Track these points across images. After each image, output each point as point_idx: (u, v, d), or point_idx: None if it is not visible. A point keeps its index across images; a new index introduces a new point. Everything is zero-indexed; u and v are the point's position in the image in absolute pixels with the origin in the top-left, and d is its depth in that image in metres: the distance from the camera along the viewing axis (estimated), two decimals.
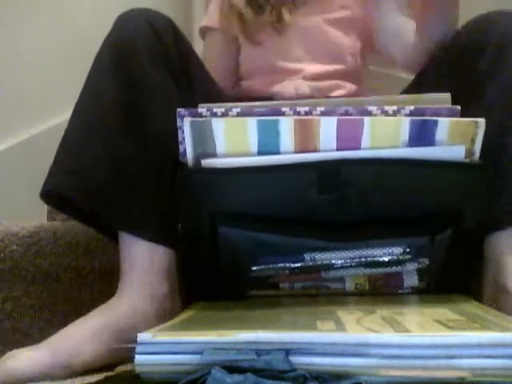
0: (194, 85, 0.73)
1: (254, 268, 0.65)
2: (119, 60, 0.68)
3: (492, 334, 0.43)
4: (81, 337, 0.61)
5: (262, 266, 0.65)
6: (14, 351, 0.61)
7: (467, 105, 0.60)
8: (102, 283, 0.83)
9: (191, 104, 0.63)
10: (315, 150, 0.61)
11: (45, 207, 1.04)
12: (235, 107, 0.63)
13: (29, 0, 1.15)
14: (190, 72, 0.73)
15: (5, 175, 1.12)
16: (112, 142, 0.66)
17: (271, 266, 0.64)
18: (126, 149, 0.66)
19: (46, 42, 1.18)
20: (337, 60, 0.98)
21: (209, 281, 0.69)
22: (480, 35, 0.68)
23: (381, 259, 0.64)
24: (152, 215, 0.67)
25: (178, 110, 0.62)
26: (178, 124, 0.62)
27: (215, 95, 0.64)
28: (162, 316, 0.64)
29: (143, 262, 0.65)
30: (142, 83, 0.67)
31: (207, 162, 0.61)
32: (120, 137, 0.67)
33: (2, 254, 0.84)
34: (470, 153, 0.60)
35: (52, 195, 0.68)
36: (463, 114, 0.60)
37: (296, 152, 0.61)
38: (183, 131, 0.61)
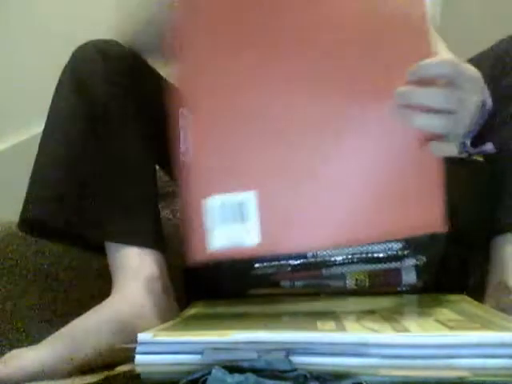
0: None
1: (257, 265, 0.65)
2: (79, 88, 0.69)
3: (492, 334, 0.43)
4: (81, 334, 0.62)
5: (265, 264, 0.65)
6: (15, 351, 0.61)
7: (491, 118, 0.60)
8: (101, 283, 0.83)
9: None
10: None
11: None
12: None
13: (22, 5, 1.15)
14: (147, 90, 0.74)
15: (5, 175, 1.11)
16: (85, 164, 0.68)
17: (273, 262, 0.65)
18: (100, 168, 0.68)
19: (46, 42, 1.18)
20: None
21: (210, 280, 0.69)
22: (508, 55, 0.70)
23: (380, 255, 0.65)
24: (138, 224, 0.67)
25: (180, 109, 0.63)
26: (181, 124, 0.63)
27: None
28: (160, 314, 0.65)
29: (133, 264, 0.66)
30: (102, 104, 0.69)
31: None
32: (91, 157, 0.68)
33: (1, 254, 0.84)
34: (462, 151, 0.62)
35: (30, 224, 0.70)
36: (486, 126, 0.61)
37: None
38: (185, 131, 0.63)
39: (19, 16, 1.16)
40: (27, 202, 0.69)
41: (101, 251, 0.70)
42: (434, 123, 0.52)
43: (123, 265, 0.66)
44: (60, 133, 0.69)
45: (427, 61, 0.51)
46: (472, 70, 0.54)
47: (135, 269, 0.66)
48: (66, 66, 0.72)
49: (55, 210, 0.67)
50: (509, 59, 0.70)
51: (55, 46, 1.20)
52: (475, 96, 0.54)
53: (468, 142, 0.57)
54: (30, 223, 0.70)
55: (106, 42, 0.73)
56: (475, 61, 0.74)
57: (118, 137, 0.69)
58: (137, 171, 0.69)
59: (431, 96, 0.51)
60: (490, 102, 0.57)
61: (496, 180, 0.66)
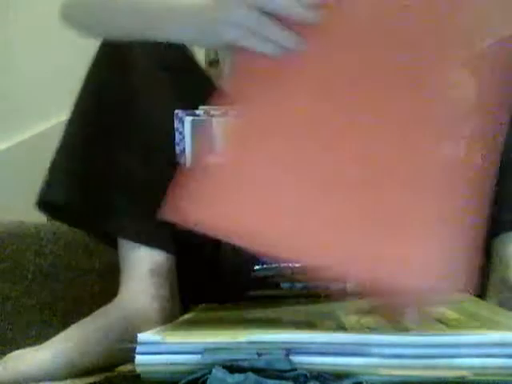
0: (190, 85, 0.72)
1: (257, 267, 0.65)
2: (117, 66, 0.67)
3: (492, 334, 0.43)
4: (84, 338, 0.61)
5: (265, 266, 0.65)
6: (17, 352, 0.61)
7: None
8: (101, 283, 0.83)
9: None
10: None
11: None
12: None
13: (19, 5, 1.15)
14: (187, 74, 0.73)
15: (5, 175, 1.11)
16: (112, 152, 0.67)
17: (274, 265, 0.65)
18: (127, 159, 0.67)
19: (47, 42, 1.18)
20: None
21: (210, 282, 0.69)
22: None
23: None
24: (151, 222, 0.67)
25: (176, 111, 0.62)
26: (176, 126, 0.62)
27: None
28: (164, 317, 0.64)
29: (144, 265, 0.66)
30: (141, 87, 0.67)
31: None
32: (120, 148, 0.67)
33: (2, 254, 0.84)
34: None
35: (49, 205, 0.69)
36: None
37: None
38: (180, 132, 0.62)
39: (19, 17, 1.16)
40: (47, 183, 0.68)
41: (112, 243, 0.70)
42: None
43: (133, 264, 0.66)
44: (95, 117, 0.68)
45: None
46: None
47: (145, 271, 0.65)
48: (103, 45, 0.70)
49: (74, 197, 0.67)
50: None
51: (56, 47, 1.20)
52: None
53: None
54: (47, 205, 0.70)
55: None
56: None
57: (157, 128, 0.67)
58: (164, 167, 0.66)
59: None
60: None
61: (496, 179, 0.66)
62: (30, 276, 0.84)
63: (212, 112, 0.63)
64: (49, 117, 1.19)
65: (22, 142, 1.19)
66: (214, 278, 0.68)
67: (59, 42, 1.20)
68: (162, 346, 0.45)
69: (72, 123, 0.69)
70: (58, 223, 0.88)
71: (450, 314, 0.53)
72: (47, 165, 0.70)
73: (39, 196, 0.68)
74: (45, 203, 0.69)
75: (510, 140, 0.65)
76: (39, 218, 1.00)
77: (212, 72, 0.90)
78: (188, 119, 0.61)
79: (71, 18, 0.66)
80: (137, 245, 0.66)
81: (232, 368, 0.42)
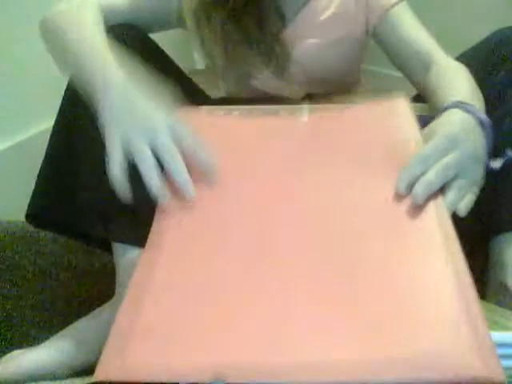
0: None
1: None
2: None
3: (492, 334, 0.43)
4: (83, 337, 0.61)
5: None
6: (17, 351, 0.61)
7: (487, 113, 0.60)
8: (101, 283, 0.83)
9: None
10: None
11: None
12: (236, 109, 0.63)
13: (20, 5, 1.15)
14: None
15: (5, 175, 1.12)
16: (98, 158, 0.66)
17: None
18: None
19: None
20: (333, 81, 0.87)
21: None
22: (501, 48, 0.69)
23: None
24: (144, 225, 0.67)
25: None
26: None
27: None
28: None
29: None
30: None
31: None
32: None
33: (2, 254, 0.84)
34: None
35: (37, 217, 0.69)
36: None
37: None
38: None
39: (19, 17, 1.16)
40: (34, 195, 0.68)
41: (104, 247, 0.70)
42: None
43: (128, 266, 0.66)
44: (78, 123, 0.67)
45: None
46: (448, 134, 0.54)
47: None
48: None
49: (60, 204, 0.67)
50: (503, 51, 0.69)
51: None
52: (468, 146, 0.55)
53: (489, 161, 0.57)
54: (36, 217, 0.69)
55: (122, 27, 0.70)
56: (468, 55, 0.74)
57: None
58: None
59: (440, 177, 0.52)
60: (486, 120, 0.57)
61: (495, 179, 0.66)
62: (29, 276, 0.84)
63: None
64: (49, 117, 1.19)
65: (21, 141, 1.19)
66: None
67: None
68: None
69: (56, 133, 0.69)
70: None
71: None
72: None
73: (30, 208, 0.68)
74: (35, 216, 0.69)
75: (509, 140, 0.65)
76: None
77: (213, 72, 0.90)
78: None
79: (44, 35, 0.68)
80: (131, 247, 0.66)
81: None
